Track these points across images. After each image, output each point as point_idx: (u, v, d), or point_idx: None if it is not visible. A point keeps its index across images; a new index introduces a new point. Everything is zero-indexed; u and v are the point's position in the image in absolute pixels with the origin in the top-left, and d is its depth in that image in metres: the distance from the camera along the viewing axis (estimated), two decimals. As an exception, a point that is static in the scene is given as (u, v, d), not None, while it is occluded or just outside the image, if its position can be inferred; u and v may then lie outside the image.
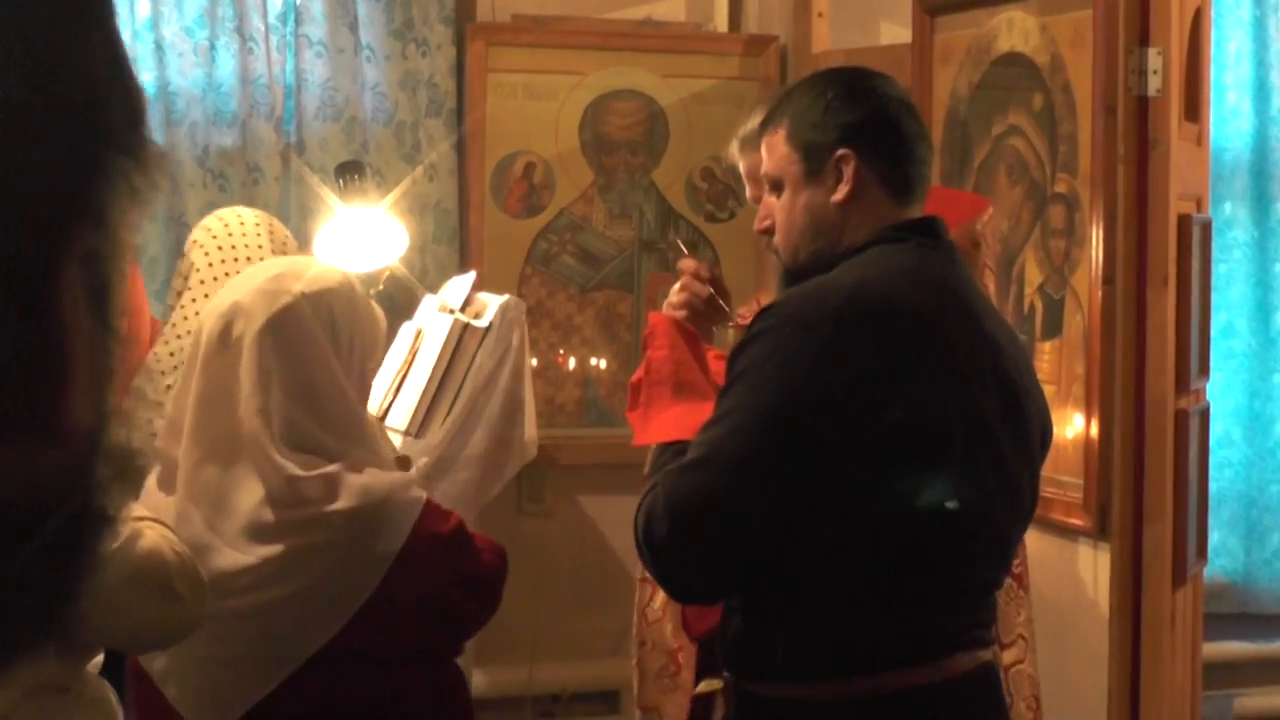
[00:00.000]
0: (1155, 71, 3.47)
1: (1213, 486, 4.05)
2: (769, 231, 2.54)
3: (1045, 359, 3.76)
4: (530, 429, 3.09)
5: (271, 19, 4.43)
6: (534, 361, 4.46)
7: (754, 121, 3.05)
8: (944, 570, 2.33)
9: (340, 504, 2.34)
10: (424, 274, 4.38)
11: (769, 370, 2.26)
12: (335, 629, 2.34)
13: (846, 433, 2.22)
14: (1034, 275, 3.81)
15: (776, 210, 2.51)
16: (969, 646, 2.39)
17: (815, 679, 2.34)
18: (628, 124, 4.77)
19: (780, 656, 2.35)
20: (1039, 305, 3.80)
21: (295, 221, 4.45)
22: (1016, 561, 3.29)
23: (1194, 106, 3.75)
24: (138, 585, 2.17)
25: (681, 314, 2.72)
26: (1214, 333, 4.03)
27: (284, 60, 4.47)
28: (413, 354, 3.18)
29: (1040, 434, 2.50)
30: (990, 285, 3.50)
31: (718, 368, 2.54)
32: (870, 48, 4.63)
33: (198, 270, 3.24)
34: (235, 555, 2.34)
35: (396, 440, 2.90)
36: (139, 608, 2.18)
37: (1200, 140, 3.85)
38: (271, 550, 2.33)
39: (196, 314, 3.01)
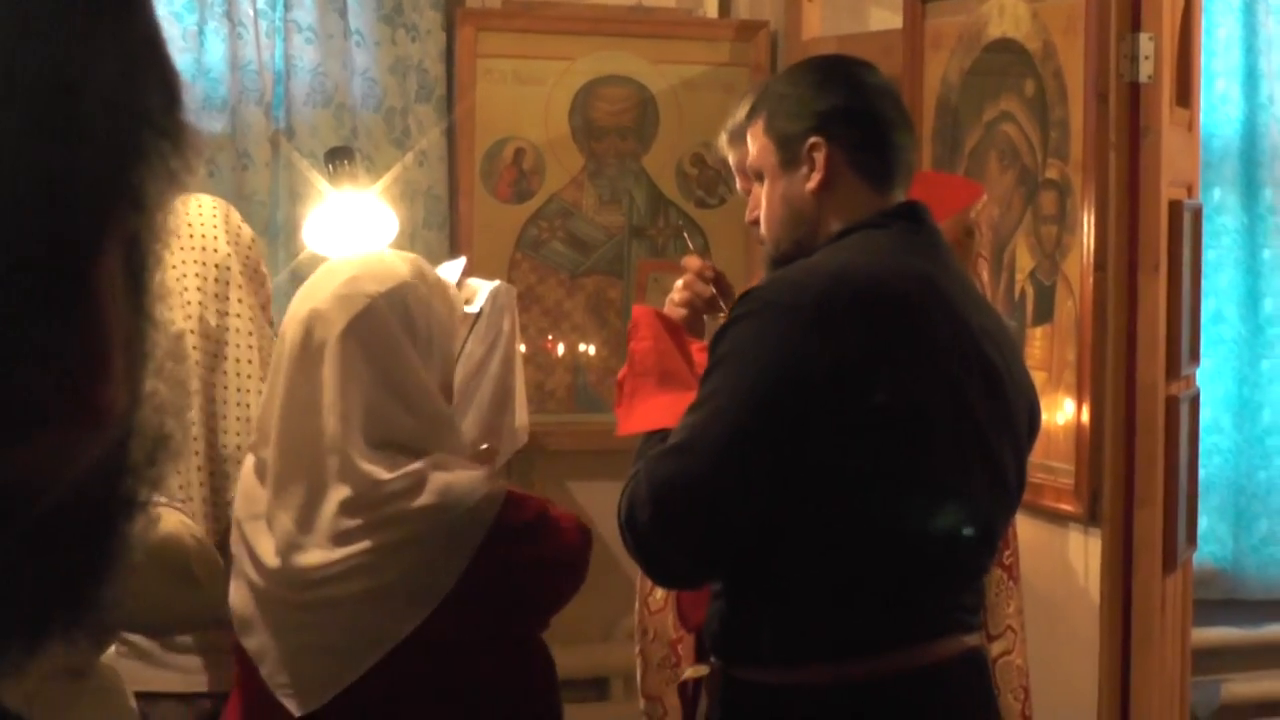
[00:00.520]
0: (1147, 57, 3.47)
1: (1201, 473, 4.05)
2: (758, 222, 2.56)
3: (1036, 345, 3.76)
4: (521, 415, 3.09)
5: (260, 4, 4.41)
6: (524, 347, 4.45)
7: (740, 114, 3.07)
8: (927, 553, 2.34)
9: (423, 500, 2.41)
10: (414, 260, 4.37)
11: (750, 354, 2.26)
12: (417, 621, 2.42)
13: (828, 416, 2.22)
14: (1025, 261, 3.81)
15: (761, 201, 2.53)
16: (955, 631, 2.39)
17: (801, 663, 2.34)
18: (618, 110, 4.76)
19: (765, 641, 2.36)
20: (1030, 291, 3.80)
21: (285, 208, 4.44)
22: (1007, 553, 3.30)
23: (1185, 92, 3.75)
24: (157, 569, 2.24)
25: (682, 313, 2.72)
26: (1203, 319, 4.03)
27: (273, 46, 4.45)
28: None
29: (1028, 420, 2.50)
30: (984, 274, 3.50)
31: (701, 359, 2.54)
32: (861, 34, 4.63)
33: None
34: (323, 553, 2.42)
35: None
36: (158, 591, 2.25)
37: (1191, 126, 3.85)
38: (358, 547, 2.41)
39: None
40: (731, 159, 3.13)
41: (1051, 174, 3.72)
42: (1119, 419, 3.51)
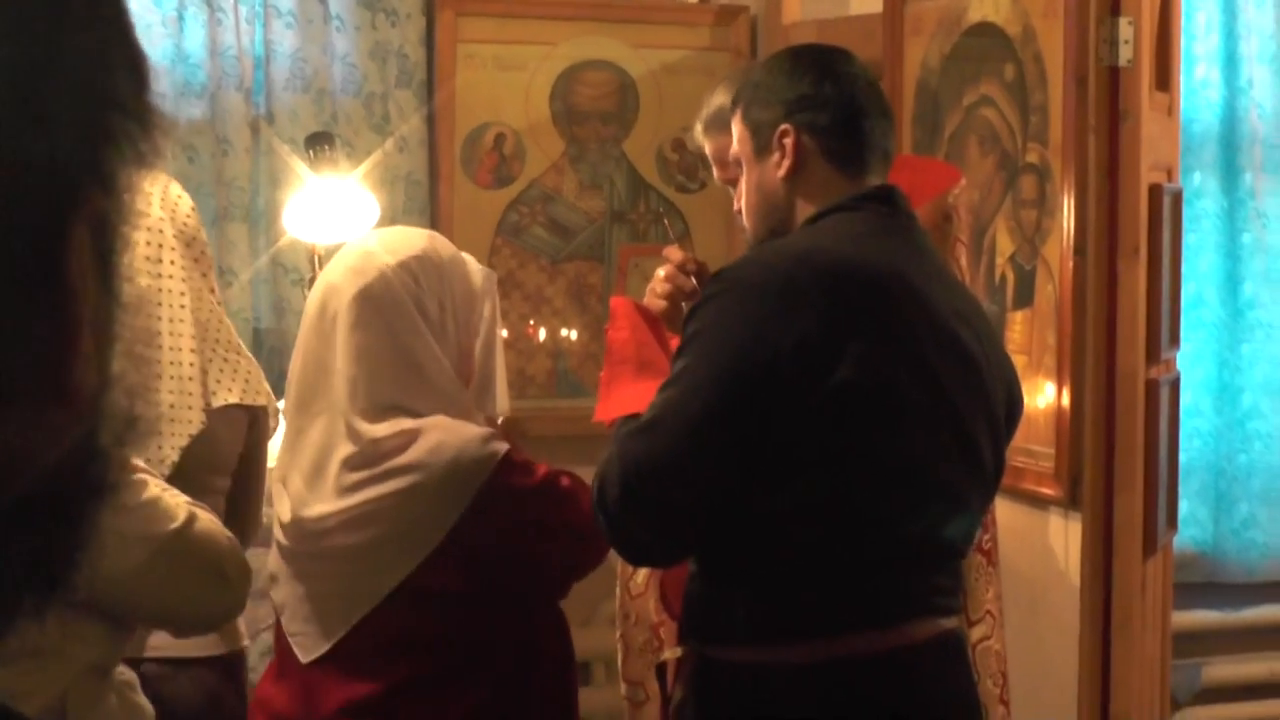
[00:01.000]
0: (1126, 41, 3.47)
1: (1181, 457, 4.06)
2: (743, 212, 2.59)
3: (1016, 329, 3.76)
4: (503, 400, 3.10)
5: (240, -11, 4.40)
6: (505, 333, 4.45)
7: (714, 104, 3.07)
8: (898, 534, 2.34)
9: (410, 456, 2.50)
10: (394, 245, 4.36)
11: (719, 333, 2.27)
12: (408, 570, 2.51)
13: (796, 392, 2.23)
14: (1005, 245, 3.82)
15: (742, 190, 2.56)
16: (930, 613, 2.40)
17: (774, 642, 2.35)
18: (598, 94, 4.76)
19: (739, 620, 2.37)
20: (1010, 275, 3.81)
21: (265, 193, 4.43)
22: (986, 538, 3.31)
23: (1165, 77, 3.75)
24: (192, 568, 2.33)
25: (662, 305, 2.73)
26: (1183, 303, 4.04)
27: (253, 31, 4.44)
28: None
29: (1006, 404, 2.51)
30: (963, 259, 3.51)
31: None
32: (840, 18, 4.63)
33: None
34: (324, 505, 2.55)
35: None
36: (190, 588, 2.36)
37: (1171, 110, 3.85)
38: (356, 499, 2.53)
39: None
40: (707, 148, 3.13)
41: (1031, 158, 3.72)
42: (1099, 403, 3.51)
